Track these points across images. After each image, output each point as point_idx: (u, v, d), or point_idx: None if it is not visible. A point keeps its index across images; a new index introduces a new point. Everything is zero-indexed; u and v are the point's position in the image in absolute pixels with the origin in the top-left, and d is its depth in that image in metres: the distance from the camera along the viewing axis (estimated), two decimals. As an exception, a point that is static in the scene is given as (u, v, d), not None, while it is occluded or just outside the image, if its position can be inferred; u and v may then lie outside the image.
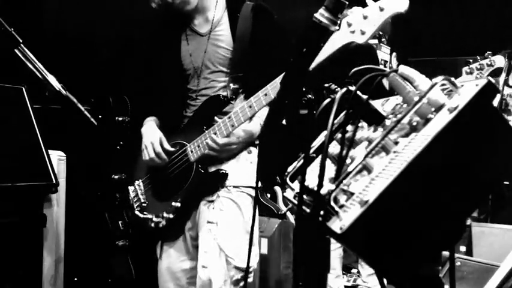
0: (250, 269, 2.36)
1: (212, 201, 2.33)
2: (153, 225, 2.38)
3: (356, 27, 1.70)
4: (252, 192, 2.37)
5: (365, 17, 1.69)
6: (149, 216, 2.39)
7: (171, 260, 2.44)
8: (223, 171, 2.32)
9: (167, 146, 2.38)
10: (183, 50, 2.41)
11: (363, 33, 1.70)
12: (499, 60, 3.15)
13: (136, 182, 2.50)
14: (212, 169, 2.34)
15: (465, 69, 3.17)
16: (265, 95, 2.09)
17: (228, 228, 2.29)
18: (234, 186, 2.33)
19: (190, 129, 2.38)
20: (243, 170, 2.34)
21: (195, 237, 2.39)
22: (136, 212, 2.44)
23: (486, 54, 3.17)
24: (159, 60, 2.47)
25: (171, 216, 2.34)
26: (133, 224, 2.48)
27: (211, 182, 2.33)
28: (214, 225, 2.29)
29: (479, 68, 3.11)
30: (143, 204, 2.45)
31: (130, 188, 2.51)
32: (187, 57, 2.40)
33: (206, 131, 2.30)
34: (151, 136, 2.40)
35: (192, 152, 2.33)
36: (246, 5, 2.36)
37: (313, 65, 1.83)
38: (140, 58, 2.68)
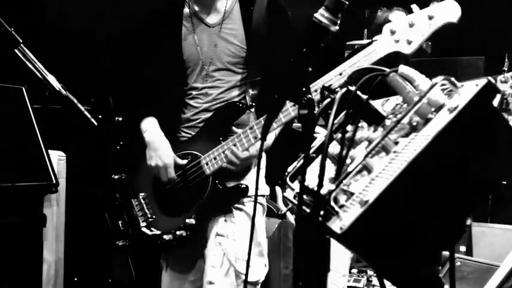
0: (257, 280, 2.23)
1: (224, 213, 2.20)
2: (163, 243, 2.20)
3: (401, 36, 1.58)
4: (263, 200, 2.26)
5: (411, 25, 1.56)
6: (157, 232, 2.21)
7: (177, 272, 2.33)
8: (244, 185, 2.15)
9: (179, 161, 2.20)
10: (189, 41, 2.21)
11: (409, 42, 1.58)
12: None
13: (141, 195, 2.31)
14: (231, 183, 2.18)
15: (500, 77, 3.09)
16: (295, 104, 1.85)
17: (240, 241, 2.16)
18: (247, 196, 2.20)
19: (203, 139, 2.19)
20: (254, 178, 2.14)
21: (202, 247, 2.25)
22: (144, 229, 2.24)
23: None
24: (157, 51, 2.26)
25: (184, 234, 2.16)
26: (137, 241, 2.30)
27: (231, 198, 2.18)
28: (225, 239, 2.16)
29: (504, 81, 3.06)
30: (150, 220, 2.25)
31: (134, 201, 2.31)
32: (193, 49, 2.20)
33: (224, 142, 2.12)
34: (164, 157, 2.18)
35: (207, 164, 2.15)
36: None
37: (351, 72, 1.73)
38: (137, 48, 2.45)
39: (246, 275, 2.01)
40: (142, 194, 2.32)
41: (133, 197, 2.33)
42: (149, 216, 2.27)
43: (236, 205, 2.19)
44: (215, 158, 2.14)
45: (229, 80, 2.20)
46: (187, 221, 2.17)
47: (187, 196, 2.20)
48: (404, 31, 1.57)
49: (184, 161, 2.21)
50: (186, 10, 2.24)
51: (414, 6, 1.52)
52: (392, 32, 1.59)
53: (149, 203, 2.30)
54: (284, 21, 2.20)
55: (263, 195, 2.27)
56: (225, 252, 2.14)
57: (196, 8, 2.22)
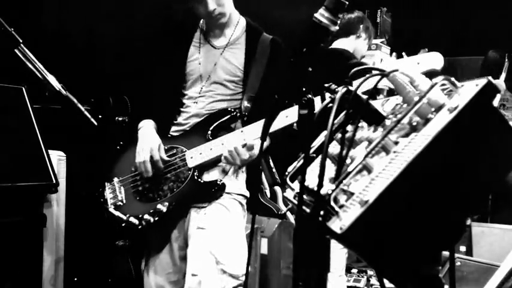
0: (240, 274, 2.26)
1: (203, 207, 2.29)
2: (128, 226, 2.27)
3: None
4: (243, 200, 2.36)
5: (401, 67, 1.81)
6: (122, 216, 2.29)
7: (157, 273, 2.38)
8: (222, 182, 2.28)
9: (163, 155, 2.33)
10: (194, 57, 2.43)
11: None
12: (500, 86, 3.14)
13: (116, 179, 2.41)
14: (208, 178, 2.32)
15: None
16: (286, 116, 2.10)
17: (220, 233, 2.25)
18: (226, 193, 2.31)
19: (191, 136, 2.35)
20: (232, 179, 2.33)
21: (183, 247, 2.34)
22: (111, 210, 2.33)
23: None
24: (163, 62, 2.47)
25: (152, 219, 2.25)
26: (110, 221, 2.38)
27: (207, 191, 2.29)
28: (205, 231, 2.24)
29: None
30: (118, 203, 2.34)
31: (107, 185, 2.42)
32: (196, 65, 2.42)
33: (212, 141, 2.27)
34: (151, 141, 2.34)
35: (191, 158, 2.30)
36: (264, 36, 2.44)
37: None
38: (143, 57, 2.69)
39: (247, 274, 2.04)
40: (117, 178, 2.42)
41: (107, 181, 2.43)
42: (119, 199, 2.35)
43: (216, 200, 2.29)
44: (200, 153, 2.29)
45: (221, 92, 2.39)
46: (158, 206, 2.27)
47: (165, 185, 2.32)
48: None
49: (169, 155, 2.35)
50: (197, 33, 2.48)
51: (404, 55, 1.83)
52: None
53: (123, 187, 2.39)
54: (284, 55, 2.42)
55: (244, 196, 2.37)
56: (206, 244, 2.22)
57: (207, 32, 2.46)
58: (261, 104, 2.34)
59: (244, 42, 2.43)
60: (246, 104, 2.35)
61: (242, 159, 2.20)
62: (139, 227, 2.27)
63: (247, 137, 2.20)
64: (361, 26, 3.34)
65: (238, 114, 2.34)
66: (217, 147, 2.26)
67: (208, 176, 2.32)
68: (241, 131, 2.22)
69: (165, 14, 2.61)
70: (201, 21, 2.47)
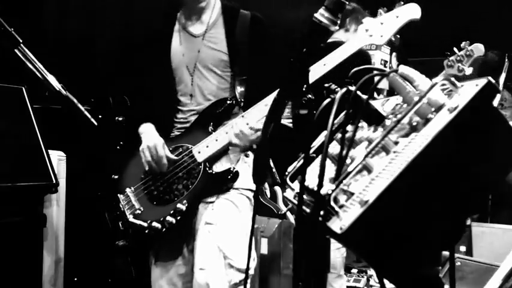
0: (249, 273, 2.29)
1: (211, 202, 2.31)
2: (151, 232, 2.27)
3: (374, 32, 2.01)
4: (250, 194, 2.36)
5: (382, 23, 2.00)
6: (144, 224, 2.28)
7: (166, 265, 2.39)
8: (236, 170, 2.28)
9: (168, 153, 2.33)
10: (176, 51, 2.42)
11: (381, 36, 2.01)
12: (477, 49, 3.15)
13: (128, 190, 2.39)
14: (220, 169, 2.31)
15: (446, 62, 3.16)
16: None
17: (228, 229, 2.27)
18: (234, 188, 2.32)
19: (193, 132, 2.35)
20: (241, 172, 2.32)
21: (191, 240, 2.35)
22: (131, 219, 2.32)
23: (463, 44, 3.16)
24: (150, 60, 2.46)
25: (174, 220, 2.25)
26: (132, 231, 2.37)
27: (222, 182, 2.30)
28: (214, 226, 2.26)
29: (459, 60, 3.11)
30: (137, 211, 2.33)
31: (121, 197, 2.40)
32: (180, 57, 2.40)
33: (215, 132, 2.28)
34: (154, 140, 2.34)
35: (199, 152, 2.30)
36: (243, 14, 2.42)
37: (333, 65, 2.08)
38: (134, 58, 2.68)
39: (247, 271, 2.04)
40: (129, 189, 2.40)
41: (120, 193, 2.42)
42: (137, 208, 2.34)
43: (224, 196, 2.30)
44: (207, 146, 2.29)
45: (213, 83, 2.37)
46: (178, 206, 2.27)
47: (179, 184, 2.32)
48: (377, 28, 2.00)
49: (175, 154, 2.34)
50: (176, 26, 2.46)
51: (381, 12, 2.00)
52: (367, 30, 2.01)
53: (137, 195, 2.38)
54: (265, 31, 2.43)
55: (252, 190, 2.36)
56: (214, 239, 2.23)
57: (184, 21, 2.44)
58: (255, 85, 2.33)
59: (223, 24, 2.40)
60: (239, 89, 2.35)
61: (250, 139, 2.23)
62: (163, 229, 2.26)
63: (250, 121, 2.21)
64: (348, 19, 3.31)
65: (234, 101, 2.33)
66: (223, 136, 2.27)
67: (220, 167, 2.32)
68: (243, 116, 2.23)
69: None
70: (179, 13, 2.46)
